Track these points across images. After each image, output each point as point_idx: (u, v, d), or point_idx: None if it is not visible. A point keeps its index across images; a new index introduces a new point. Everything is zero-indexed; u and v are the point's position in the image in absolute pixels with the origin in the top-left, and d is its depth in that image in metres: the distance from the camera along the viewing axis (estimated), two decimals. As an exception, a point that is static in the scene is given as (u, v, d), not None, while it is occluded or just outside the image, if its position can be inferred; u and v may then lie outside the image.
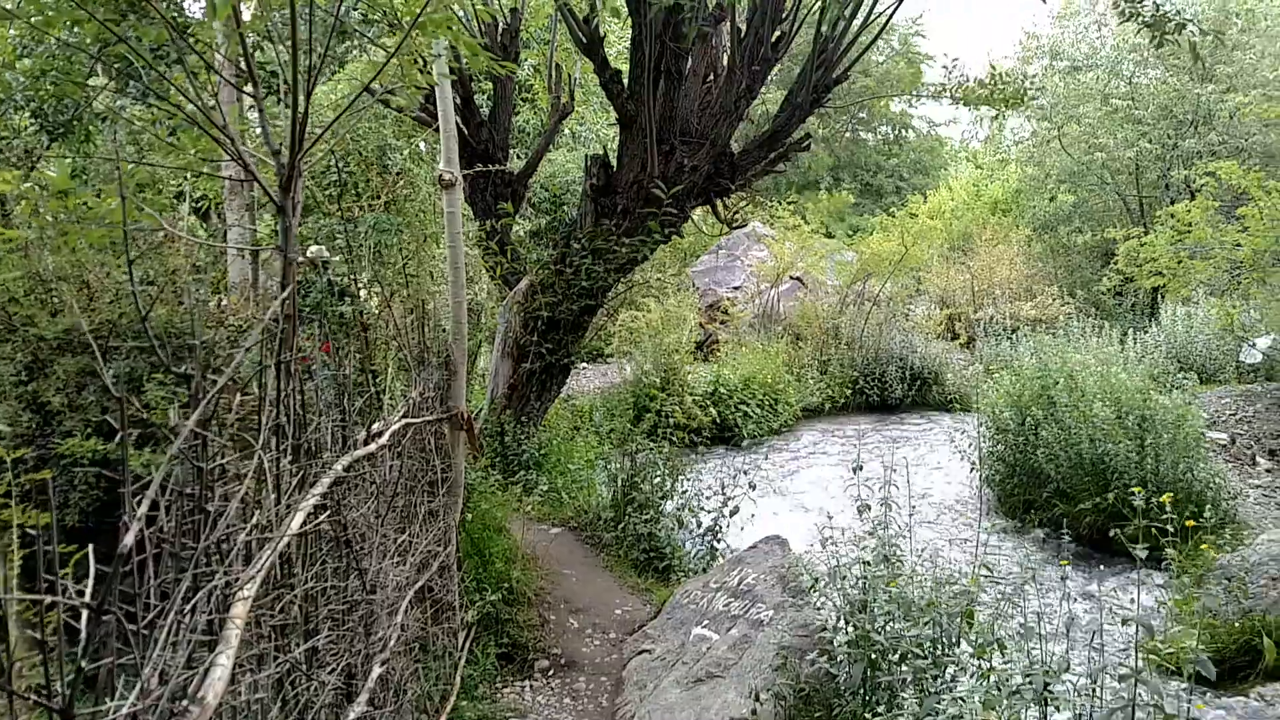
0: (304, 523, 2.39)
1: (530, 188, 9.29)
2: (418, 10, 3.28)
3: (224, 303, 4.93)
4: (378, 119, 8.52)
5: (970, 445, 8.98)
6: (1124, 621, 2.74)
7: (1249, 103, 13.89)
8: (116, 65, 4.72)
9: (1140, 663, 2.63)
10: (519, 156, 10.32)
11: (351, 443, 3.12)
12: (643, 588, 5.53)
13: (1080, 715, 2.96)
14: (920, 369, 13.68)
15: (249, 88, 2.62)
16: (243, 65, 3.89)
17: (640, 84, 7.09)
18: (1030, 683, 3.02)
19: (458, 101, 7.14)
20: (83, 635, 1.17)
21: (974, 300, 18.01)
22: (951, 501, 8.56)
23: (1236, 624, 5.08)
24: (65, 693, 1.12)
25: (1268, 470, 9.59)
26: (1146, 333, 12.58)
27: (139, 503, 1.29)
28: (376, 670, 3.01)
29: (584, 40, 7.09)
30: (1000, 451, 8.40)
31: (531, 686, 4.48)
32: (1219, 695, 4.44)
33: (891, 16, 7.89)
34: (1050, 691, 3.01)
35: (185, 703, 1.57)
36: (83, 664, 1.13)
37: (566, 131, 11.15)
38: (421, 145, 9.69)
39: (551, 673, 4.61)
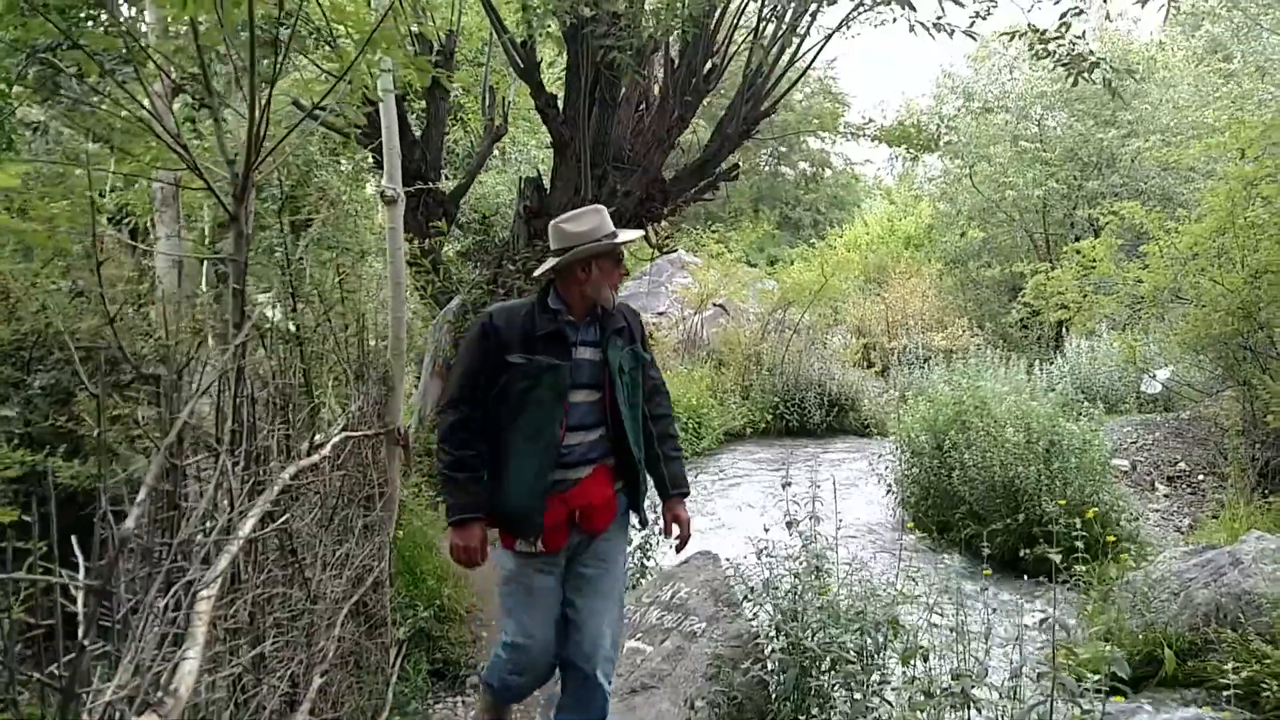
0: (255, 529, 2.41)
1: (460, 208, 9.33)
2: (362, 29, 3.34)
3: (152, 315, 4.85)
4: (303, 134, 8.44)
5: (887, 468, 9.26)
6: (1040, 623, 2.91)
7: (1149, 147, 14.69)
8: (43, 72, 4.64)
9: (1056, 663, 2.80)
10: (449, 177, 10.33)
11: (296, 453, 3.13)
12: (573, 605, 5.55)
13: (1000, 715, 3.13)
14: (838, 395, 14.02)
15: (207, 98, 2.65)
16: (186, 76, 3.88)
17: (575, 109, 7.22)
18: (954, 686, 3.17)
19: (393, 120, 7.15)
20: (81, 616, 1.20)
21: (889, 330, 18.55)
22: (870, 522, 8.80)
23: (1140, 636, 5.35)
24: (66, 674, 1.15)
25: (1166, 495, 10.09)
26: (1052, 364, 13.12)
27: (136, 496, 1.32)
28: (317, 680, 3.01)
29: (521, 65, 7.20)
30: (916, 475, 8.69)
31: (464, 702, 4.48)
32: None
33: (818, 54, 8.19)
34: (973, 694, 3.16)
35: (160, 694, 1.59)
36: (85, 643, 1.16)
37: (496, 153, 11.21)
38: (343, 164, 9.64)
39: (483, 689, 4.61)
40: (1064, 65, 5.59)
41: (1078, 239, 15.84)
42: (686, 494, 3.40)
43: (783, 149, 36.23)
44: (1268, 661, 4.64)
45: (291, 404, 3.12)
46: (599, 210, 3.17)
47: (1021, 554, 6.43)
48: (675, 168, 8.54)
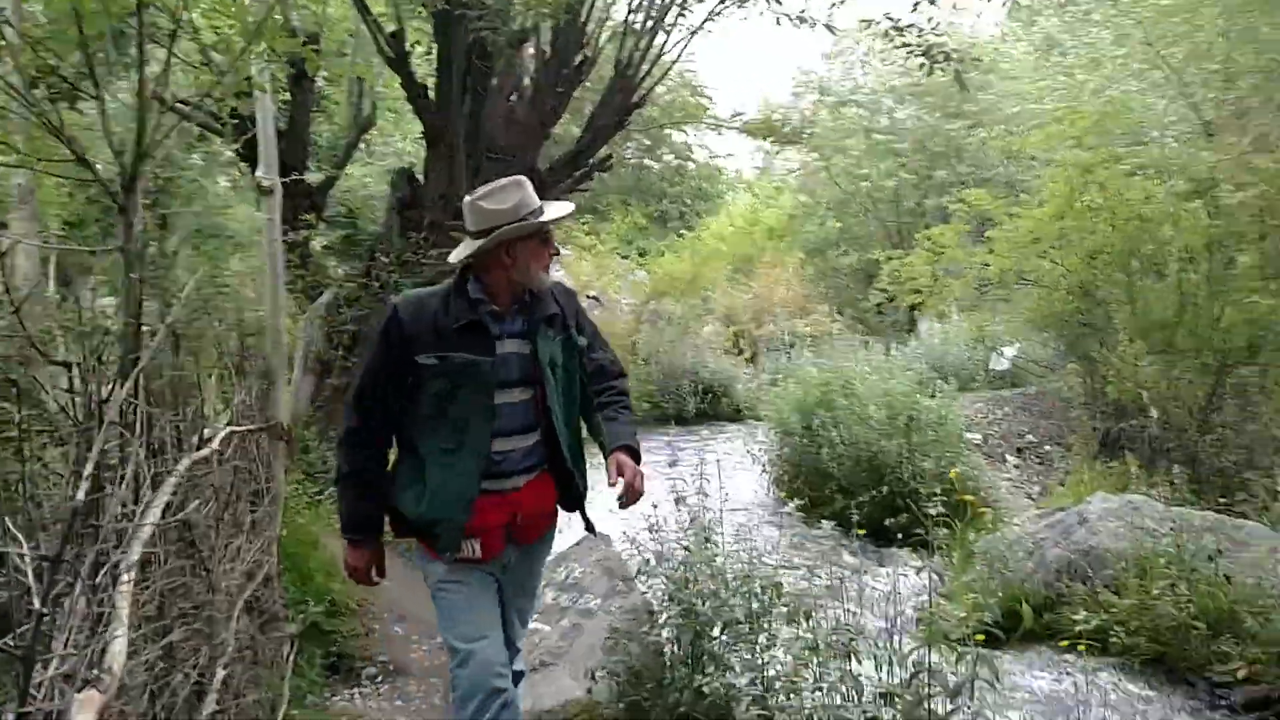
0: (158, 519, 2.40)
1: (327, 201, 9.16)
2: (242, 19, 3.32)
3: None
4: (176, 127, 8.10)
5: (761, 449, 9.61)
6: (917, 571, 3.16)
7: (993, 137, 15.58)
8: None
9: (933, 609, 3.05)
10: (313, 169, 10.10)
11: (188, 445, 3.10)
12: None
13: (880, 663, 3.38)
14: (711, 382, 14.39)
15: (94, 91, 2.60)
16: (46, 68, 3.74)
17: (448, 100, 7.21)
18: (836, 639, 3.40)
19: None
20: (34, 586, 1.23)
21: (756, 318, 19.11)
22: (749, 500, 9.13)
23: (1000, 594, 5.74)
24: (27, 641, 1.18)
25: (1016, 466, 10.81)
26: (907, 345, 13.81)
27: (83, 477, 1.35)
28: (221, 672, 2.99)
29: (391, 55, 7.14)
30: (788, 454, 9.06)
31: (361, 693, 4.48)
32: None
33: (685, 46, 8.41)
34: (854, 646, 3.40)
35: (95, 670, 1.61)
36: (42, 610, 1.19)
37: (361, 145, 11.03)
38: (196, 158, 9.32)
39: (380, 679, 4.62)
40: (921, 55, 5.95)
41: (928, 226, 16.66)
42: (631, 448, 2.88)
43: (647, 142, 36.62)
44: (1114, 610, 5.08)
45: (181, 398, 3.08)
46: (521, 183, 2.77)
47: (887, 523, 6.82)
48: (549, 159, 8.62)
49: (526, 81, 8.11)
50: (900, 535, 5.91)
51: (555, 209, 2.85)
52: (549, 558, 3.33)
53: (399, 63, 7.15)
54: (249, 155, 7.10)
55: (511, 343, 2.75)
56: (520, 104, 7.90)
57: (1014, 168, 16.41)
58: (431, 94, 7.31)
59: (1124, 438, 8.47)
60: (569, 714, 3.94)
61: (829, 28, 6.49)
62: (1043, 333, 11.23)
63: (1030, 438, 11.38)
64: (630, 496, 2.84)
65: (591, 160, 8.04)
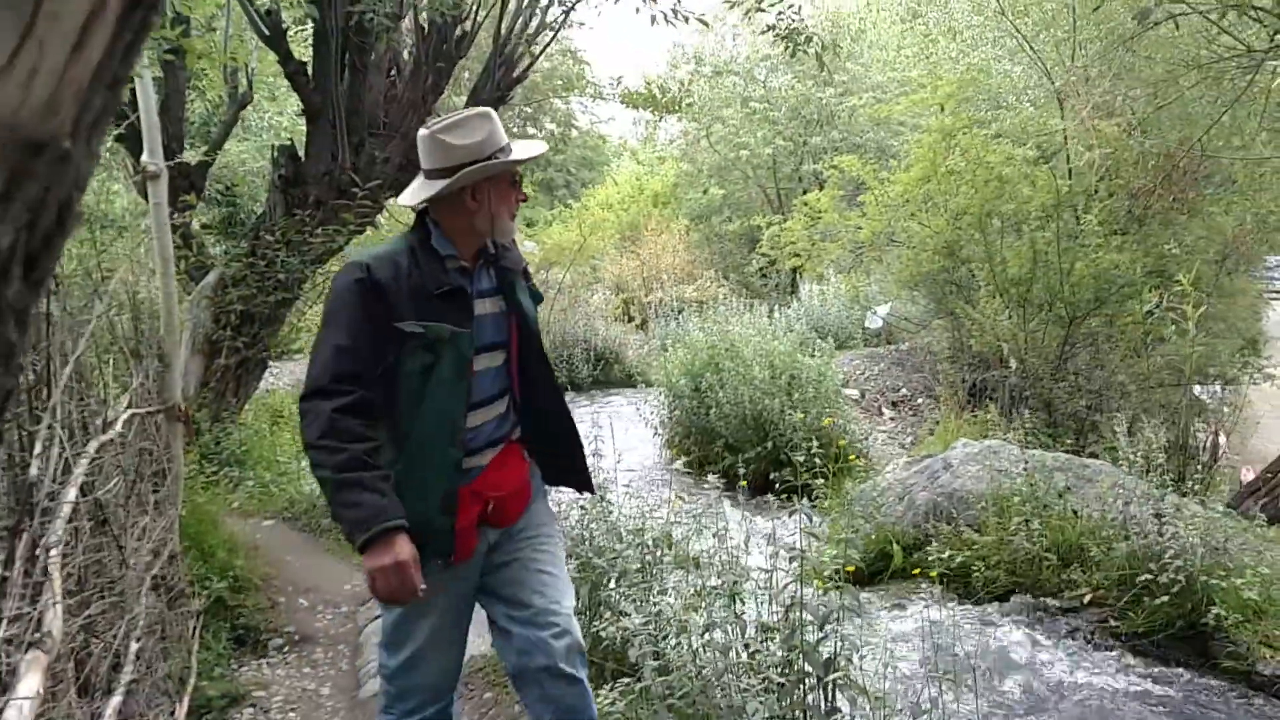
0: (75, 497, 2.51)
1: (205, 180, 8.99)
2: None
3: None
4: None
5: (652, 412, 9.94)
6: (790, 513, 3.49)
7: (863, 105, 16.18)
8: None
9: (803, 553, 3.38)
10: (189, 146, 9.88)
11: (94, 428, 3.17)
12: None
13: (759, 603, 3.71)
14: (603, 350, 14.68)
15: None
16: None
17: (326, 76, 7.18)
18: (721, 585, 3.72)
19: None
20: None
21: (645, 285, 19.44)
22: (641, 460, 9.45)
23: (873, 536, 6.20)
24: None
25: (891, 419, 11.43)
26: (789, 308, 14.35)
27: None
28: (134, 645, 3.11)
29: (266, 32, 7.07)
30: (678, 416, 9.42)
31: (269, 663, 4.60)
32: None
33: (564, 21, 8.54)
34: (739, 589, 3.72)
35: (37, 634, 1.76)
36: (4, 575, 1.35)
37: (237, 122, 10.81)
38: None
39: (287, 649, 4.75)
40: (784, 38, 6.26)
41: (805, 192, 17.25)
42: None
43: (528, 110, 36.41)
44: (975, 547, 5.57)
45: (85, 381, 3.15)
46: (488, 115, 2.41)
47: (771, 476, 7.23)
48: (432, 134, 8.66)
49: (406, 56, 8.11)
50: (782, 488, 6.30)
51: (525, 147, 2.51)
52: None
53: (274, 40, 7.08)
54: (126, 138, 6.97)
55: (486, 302, 2.43)
56: (400, 79, 7.91)
57: (883, 133, 17.12)
58: (310, 71, 7.27)
59: (987, 388, 9.08)
60: (473, 667, 4.17)
61: (703, 22, 6.73)
62: (913, 291, 11.84)
63: (904, 391, 12.02)
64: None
65: (475, 134, 8.13)
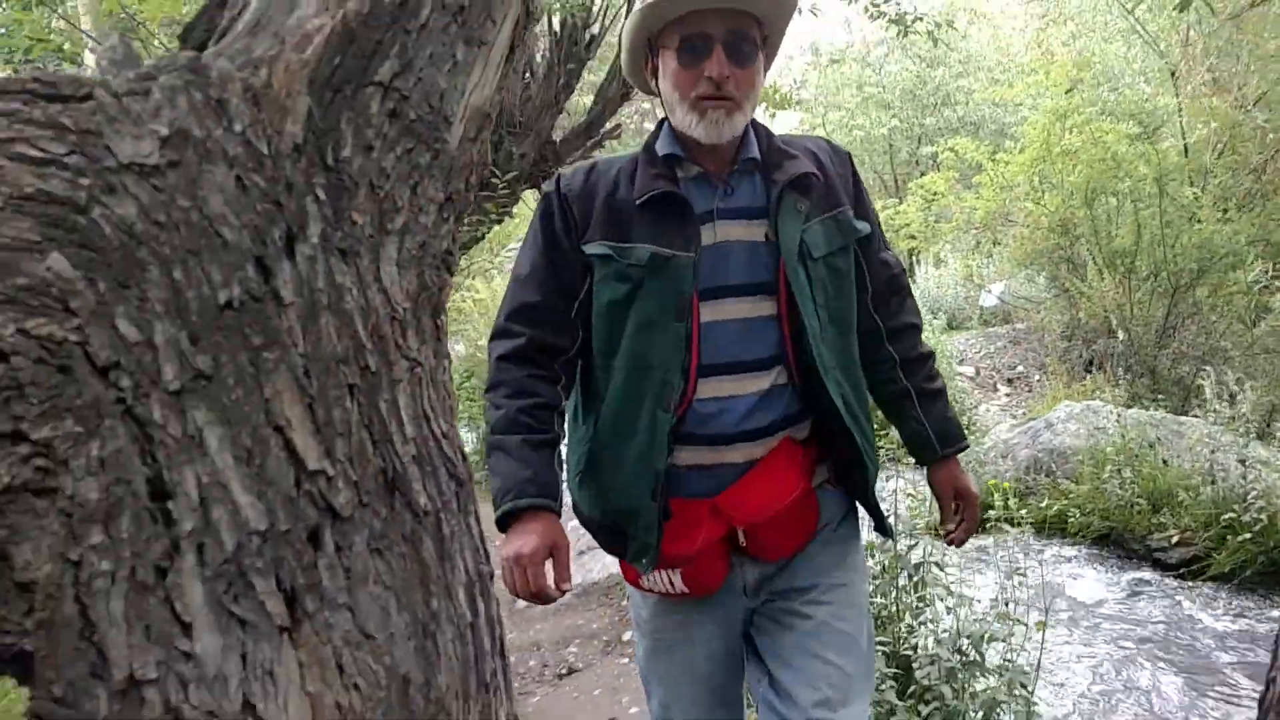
0: None
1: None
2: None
3: None
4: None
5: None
6: (887, 478, 4.01)
7: (979, 86, 16.24)
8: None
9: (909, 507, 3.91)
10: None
11: None
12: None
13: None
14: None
15: None
16: None
17: (472, 82, 7.98)
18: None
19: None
20: None
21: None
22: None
23: (980, 488, 6.62)
24: None
25: (1006, 394, 11.66)
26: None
27: None
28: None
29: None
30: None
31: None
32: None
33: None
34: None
35: None
36: None
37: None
38: None
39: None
40: (893, 21, 6.66)
41: (922, 174, 17.38)
42: (964, 447, 1.90)
43: (646, 106, 37.17)
44: (1072, 496, 5.95)
45: None
46: None
47: (884, 448, 7.66)
48: (563, 130, 9.38)
49: (539, 59, 8.85)
50: (896, 456, 6.78)
51: None
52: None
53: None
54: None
55: (734, 224, 1.72)
56: (534, 80, 8.65)
57: (1002, 113, 17.09)
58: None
59: (1096, 358, 9.29)
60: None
61: (813, 13, 7.25)
62: (1029, 269, 11.98)
63: (1020, 369, 12.21)
64: (966, 535, 1.93)
65: (603, 129, 8.80)
